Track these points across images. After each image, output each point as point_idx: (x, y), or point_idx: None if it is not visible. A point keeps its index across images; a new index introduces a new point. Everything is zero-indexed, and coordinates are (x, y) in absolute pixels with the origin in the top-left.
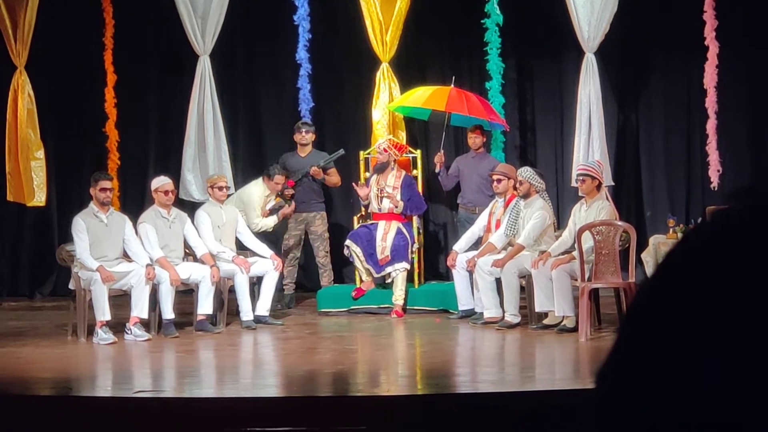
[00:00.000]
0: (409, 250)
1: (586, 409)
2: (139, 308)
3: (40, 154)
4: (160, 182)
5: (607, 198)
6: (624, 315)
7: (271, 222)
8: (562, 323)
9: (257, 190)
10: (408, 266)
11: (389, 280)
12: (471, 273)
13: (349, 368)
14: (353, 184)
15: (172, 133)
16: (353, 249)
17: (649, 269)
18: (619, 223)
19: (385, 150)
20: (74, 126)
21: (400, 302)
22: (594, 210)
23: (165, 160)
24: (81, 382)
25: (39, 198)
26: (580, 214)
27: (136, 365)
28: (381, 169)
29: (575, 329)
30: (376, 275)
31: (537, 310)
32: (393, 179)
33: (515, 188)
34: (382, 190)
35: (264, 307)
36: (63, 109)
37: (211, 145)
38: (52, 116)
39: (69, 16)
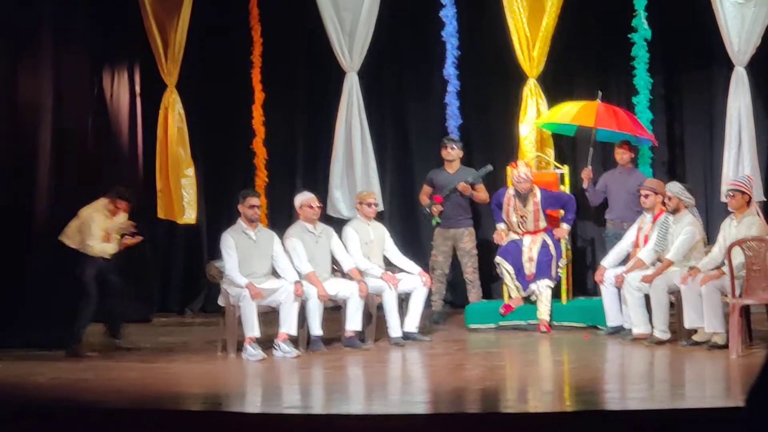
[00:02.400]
0: (554, 266)
1: (738, 427)
2: (288, 324)
3: (190, 171)
4: (304, 197)
5: (757, 213)
6: None
7: (109, 249)
8: (713, 340)
9: (99, 214)
10: (552, 283)
11: (534, 299)
12: (619, 289)
13: (497, 384)
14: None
15: (320, 149)
16: (504, 266)
17: None
18: None
19: (527, 176)
20: (223, 143)
21: (546, 317)
22: (744, 225)
23: (312, 176)
24: (231, 398)
25: (189, 215)
26: (730, 229)
27: (285, 381)
28: (524, 196)
29: (726, 346)
30: (524, 292)
31: (686, 326)
32: (532, 199)
33: (663, 203)
34: (524, 217)
35: (412, 323)
36: (212, 127)
37: (358, 162)
38: (202, 134)
39: (218, 35)
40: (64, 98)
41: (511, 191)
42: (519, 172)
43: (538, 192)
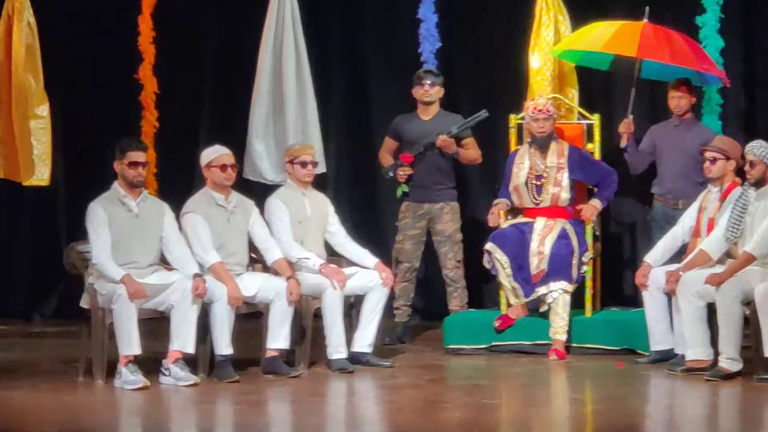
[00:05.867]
0: (575, 264)
1: None
2: (182, 339)
3: (44, 110)
4: (215, 153)
5: None
6: None
7: None
8: None
9: None
10: (570, 286)
11: (544, 308)
12: (671, 296)
13: None
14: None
15: (236, 85)
16: (497, 257)
17: None
18: None
19: (548, 111)
20: (93, 71)
21: (562, 337)
22: None
23: (224, 123)
24: None
25: (40, 174)
26: None
27: (176, 422)
28: (544, 143)
29: None
30: (525, 298)
31: (767, 353)
32: (555, 156)
33: (740, 172)
34: (540, 176)
35: (365, 340)
36: (77, 45)
37: (291, 104)
38: (62, 56)
39: None
40: None
41: (523, 147)
42: (537, 104)
43: (566, 147)
